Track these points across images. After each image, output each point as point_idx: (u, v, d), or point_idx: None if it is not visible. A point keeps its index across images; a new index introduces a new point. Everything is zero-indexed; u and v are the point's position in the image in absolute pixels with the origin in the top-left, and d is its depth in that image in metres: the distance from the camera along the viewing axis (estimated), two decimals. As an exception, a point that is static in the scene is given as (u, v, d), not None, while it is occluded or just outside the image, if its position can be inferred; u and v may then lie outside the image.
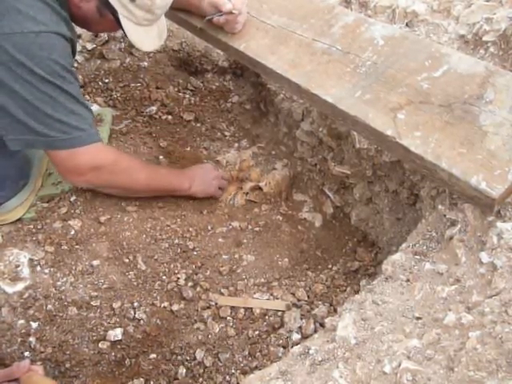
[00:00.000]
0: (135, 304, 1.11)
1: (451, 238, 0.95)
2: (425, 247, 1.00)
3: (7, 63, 0.99)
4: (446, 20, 1.28)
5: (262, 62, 1.23)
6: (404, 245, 1.04)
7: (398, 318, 0.84)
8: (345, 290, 1.19)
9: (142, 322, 1.08)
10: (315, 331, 1.04)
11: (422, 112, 0.99)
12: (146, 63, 1.84)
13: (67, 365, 1.02)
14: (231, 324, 1.10)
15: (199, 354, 1.05)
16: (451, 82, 1.01)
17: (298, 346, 0.87)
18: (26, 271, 1.14)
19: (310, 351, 0.83)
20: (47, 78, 1.03)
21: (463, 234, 0.93)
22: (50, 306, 1.08)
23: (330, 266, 1.29)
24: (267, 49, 1.25)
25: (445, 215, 1.01)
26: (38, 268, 1.15)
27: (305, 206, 1.49)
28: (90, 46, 1.80)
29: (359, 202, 1.39)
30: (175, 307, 1.12)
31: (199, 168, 1.43)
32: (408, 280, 0.94)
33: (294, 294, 1.15)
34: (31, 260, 1.16)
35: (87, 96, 1.73)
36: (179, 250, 1.24)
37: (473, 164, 0.89)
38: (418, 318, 0.82)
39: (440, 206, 1.03)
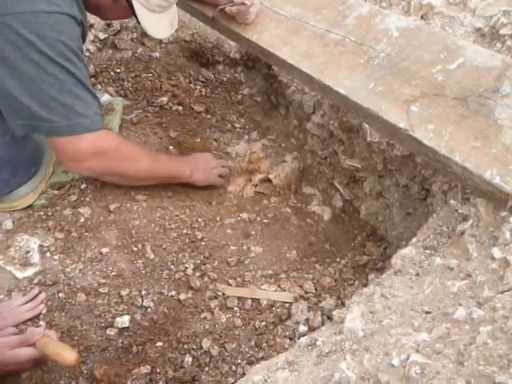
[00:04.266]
0: (143, 292, 1.11)
1: (463, 232, 0.94)
2: (435, 242, 0.99)
3: (16, 42, 0.99)
4: (462, 13, 1.25)
5: (274, 53, 1.22)
6: (414, 239, 1.02)
7: (406, 312, 0.84)
8: (353, 284, 1.18)
9: (149, 309, 1.09)
10: (322, 324, 1.04)
11: (435, 105, 0.97)
12: (157, 54, 1.84)
13: (75, 350, 1.02)
14: (238, 314, 1.10)
15: (205, 343, 1.05)
16: (467, 74, 0.99)
17: (305, 337, 0.86)
18: (35, 257, 1.15)
19: (317, 342, 0.83)
20: (55, 60, 1.02)
21: (475, 229, 0.92)
22: (58, 292, 1.09)
23: (338, 260, 1.28)
24: (280, 40, 1.24)
25: (456, 210, 0.99)
26: (48, 254, 1.15)
27: (314, 199, 1.48)
28: (102, 36, 1.81)
29: (369, 196, 1.38)
30: (182, 296, 1.12)
31: (200, 156, 1.43)
32: (417, 274, 0.93)
33: (301, 287, 1.15)
34: (41, 246, 1.16)
35: (99, 85, 1.74)
36: (187, 239, 1.24)
37: (487, 158, 0.87)
38: (428, 312, 0.81)
39: (452, 201, 1.01)
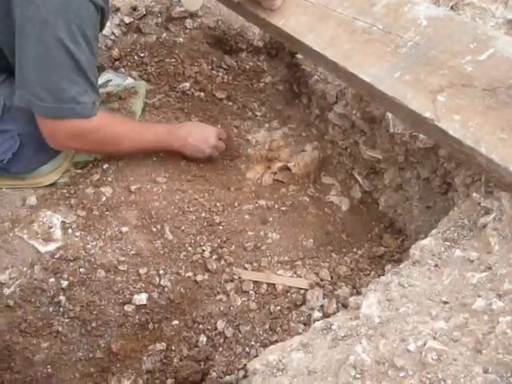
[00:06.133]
0: (161, 271, 1.13)
1: (484, 226, 0.92)
2: (456, 234, 0.98)
3: (34, 19, 1.02)
4: (494, 4, 1.23)
5: (299, 40, 1.22)
6: (434, 231, 1.02)
7: (424, 301, 0.83)
8: (369, 274, 1.18)
9: (166, 289, 1.11)
10: (337, 311, 1.04)
11: (463, 95, 0.96)
12: (181, 39, 1.85)
13: (93, 324, 1.05)
14: (253, 298, 1.11)
15: (220, 324, 1.07)
16: (497, 65, 0.97)
17: (320, 321, 0.87)
18: (58, 233, 1.17)
19: (333, 327, 0.83)
20: (65, 44, 1.04)
21: (497, 223, 0.91)
22: (79, 268, 1.11)
23: (354, 250, 1.28)
24: (306, 26, 1.23)
25: (479, 203, 0.98)
26: (70, 231, 1.18)
27: (332, 190, 1.48)
28: (127, 20, 1.82)
29: (389, 187, 1.37)
30: (199, 278, 1.14)
31: (193, 127, 1.40)
32: (436, 265, 0.93)
33: (317, 274, 1.15)
34: (63, 222, 1.19)
35: (123, 69, 1.76)
36: (206, 223, 1.26)
37: (514, 150, 0.86)
38: (445, 303, 0.81)
39: (475, 194, 1.00)
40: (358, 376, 0.70)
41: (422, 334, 0.72)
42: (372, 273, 1.18)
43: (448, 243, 0.96)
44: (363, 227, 1.37)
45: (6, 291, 1.07)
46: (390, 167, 1.35)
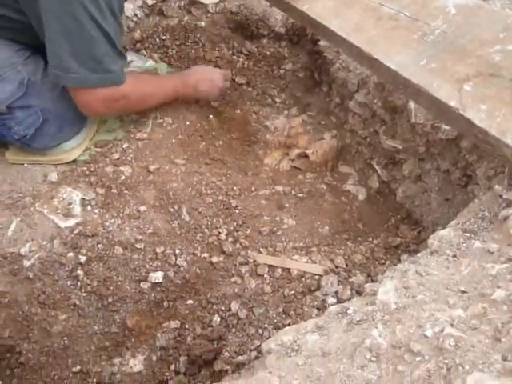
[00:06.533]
0: (177, 251, 1.14)
1: (506, 218, 0.91)
2: (476, 226, 0.97)
3: None
4: (525, -6, 1.20)
5: (324, 25, 1.20)
6: (453, 222, 1.01)
7: (441, 290, 0.83)
8: (384, 263, 1.18)
9: (182, 268, 1.12)
10: (352, 298, 1.04)
11: (490, 85, 0.95)
12: (203, 23, 1.84)
13: (110, 299, 1.07)
14: (268, 281, 1.12)
15: (234, 305, 1.08)
16: (527, 55, 0.95)
17: (336, 305, 0.87)
18: (77, 209, 1.19)
19: (348, 311, 0.83)
20: (93, 16, 1.08)
21: (519, 215, 0.89)
22: (97, 244, 1.13)
23: (370, 239, 1.28)
24: (331, 11, 1.22)
25: (501, 196, 0.97)
26: (89, 207, 1.20)
27: (350, 179, 1.47)
28: (150, 2, 1.82)
29: (407, 178, 1.36)
30: (215, 259, 1.15)
31: (200, 71, 1.49)
32: (455, 256, 0.92)
33: (332, 261, 1.15)
34: (83, 199, 1.21)
35: (144, 51, 1.76)
36: (222, 206, 1.26)
37: (541, 142, 0.85)
38: (464, 292, 0.80)
39: (497, 186, 0.99)
40: (373, 359, 0.70)
41: (440, 321, 0.71)
42: (387, 262, 1.17)
43: (467, 234, 0.96)
44: (379, 217, 1.36)
45: (26, 263, 1.09)
46: (409, 158, 1.34)
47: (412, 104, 1.23)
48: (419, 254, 0.97)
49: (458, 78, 0.98)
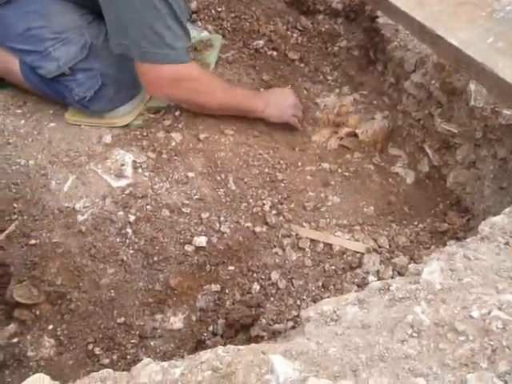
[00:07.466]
0: (221, 218, 1.17)
1: None
2: (532, 215, 0.93)
3: None
4: None
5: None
6: (507, 209, 0.97)
7: (490, 276, 0.81)
8: (428, 248, 1.16)
9: (225, 235, 1.14)
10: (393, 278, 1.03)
11: None
12: (259, -4, 1.83)
13: (155, 258, 1.11)
14: (309, 255, 1.12)
15: (274, 275, 1.09)
16: None
17: (378, 282, 0.86)
18: (129, 171, 1.24)
19: (391, 288, 0.82)
20: None
21: None
22: (146, 205, 1.17)
23: (415, 223, 1.25)
24: (395, -15, 1.18)
25: None
26: (140, 170, 1.24)
27: (399, 161, 1.44)
28: (208, -27, 1.82)
29: (460, 164, 1.31)
30: (258, 229, 1.16)
31: (278, 92, 1.43)
32: (507, 243, 0.89)
33: (375, 240, 1.14)
34: (134, 162, 1.25)
35: (199, 22, 1.77)
36: (268, 178, 1.27)
37: None
38: (514, 279, 0.78)
39: (558, 176, 0.94)
40: (414, 334, 0.70)
41: (487, 304, 0.70)
42: (432, 247, 1.15)
43: (522, 223, 0.92)
44: (427, 202, 1.32)
45: (80, 218, 1.15)
46: (464, 143, 1.29)
47: (472, 86, 1.17)
48: (468, 239, 0.94)
49: (527, 58, 0.93)
